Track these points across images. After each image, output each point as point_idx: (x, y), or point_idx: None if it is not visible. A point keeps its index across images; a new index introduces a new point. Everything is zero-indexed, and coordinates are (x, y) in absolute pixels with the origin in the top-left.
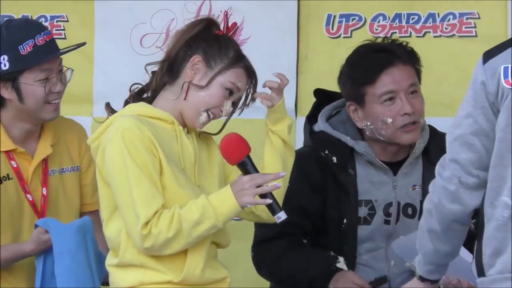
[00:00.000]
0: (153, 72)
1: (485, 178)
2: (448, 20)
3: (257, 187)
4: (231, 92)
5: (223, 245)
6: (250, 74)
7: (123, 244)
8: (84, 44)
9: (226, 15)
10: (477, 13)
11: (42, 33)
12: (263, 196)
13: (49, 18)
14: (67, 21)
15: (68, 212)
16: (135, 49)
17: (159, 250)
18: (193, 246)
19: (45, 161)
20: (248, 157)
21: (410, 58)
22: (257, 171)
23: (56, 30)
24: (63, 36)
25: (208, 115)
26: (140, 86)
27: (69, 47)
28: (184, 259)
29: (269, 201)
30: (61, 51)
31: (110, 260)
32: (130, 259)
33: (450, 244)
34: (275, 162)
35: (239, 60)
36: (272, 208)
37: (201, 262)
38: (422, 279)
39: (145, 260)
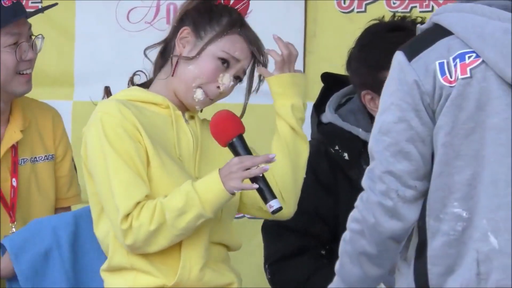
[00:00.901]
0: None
1: (422, 189)
2: None
3: (246, 170)
4: (227, 63)
5: (233, 247)
6: (252, 42)
7: (112, 245)
8: (55, 4)
9: None
10: None
11: None
12: (253, 180)
13: None
14: None
15: (41, 206)
16: (121, 24)
17: (143, 246)
18: (187, 245)
19: (14, 148)
20: (240, 137)
21: None
22: (249, 153)
23: (32, 2)
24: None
25: (204, 91)
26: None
27: (40, 9)
28: (178, 260)
29: (255, 186)
30: (29, 12)
31: (102, 265)
32: (119, 261)
33: (383, 266)
34: (281, 155)
35: (234, 26)
36: (264, 195)
37: (198, 262)
38: None
39: (135, 261)
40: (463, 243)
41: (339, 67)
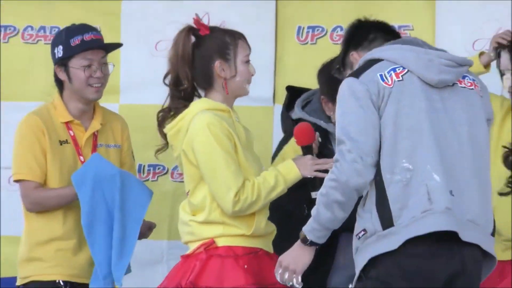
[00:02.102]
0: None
1: (376, 158)
2: None
3: (317, 165)
4: (248, 60)
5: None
6: (241, 35)
7: (208, 206)
8: (121, 45)
9: (198, 17)
10: (412, 25)
11: (90, 33)
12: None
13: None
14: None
15: None
16: (152, 52)
17: (244, 211)
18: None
19: (95, 135)
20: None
21: None
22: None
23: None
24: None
25: (248, 83)
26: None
27: (109, 43)
28: (253, 218)
29: (324, 174)
30: (99, 44)
31: (193, 218)
32: (214, 218)
33: (347, 211)
34: None
35: (235, 37)
36: (317, 185)
37: (264, 219)
38: (311, 243)
39: (225, 219)
40: (413, 184)
41: (298, 81)
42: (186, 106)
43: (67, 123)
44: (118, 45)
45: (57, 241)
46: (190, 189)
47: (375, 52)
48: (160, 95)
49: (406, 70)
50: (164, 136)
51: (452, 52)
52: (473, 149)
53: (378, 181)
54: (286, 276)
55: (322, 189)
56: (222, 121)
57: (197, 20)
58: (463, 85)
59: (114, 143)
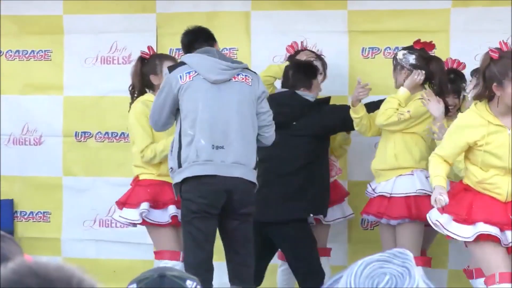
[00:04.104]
0: None
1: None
2: None
3: None
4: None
5: None
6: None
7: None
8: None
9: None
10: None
11: None
12: None
13: None
14: None
15: None
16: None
17: (150, 161)
18: None
19: None
20: None
21: None
22: None
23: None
24: None
25: None
26: None
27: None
28: (159, 165)
29: None
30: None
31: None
32: (137, 163)
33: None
34: None
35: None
36: None
37: (166, 167)
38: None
39: (143, 164)
40: (193, 144)
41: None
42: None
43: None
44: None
45: None
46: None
47: (184, 57)
48: None
49: (196, 73)
50: None
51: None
52: (240, 117)
53: (178, 139)
54: None
55: None
56: (145, 108)
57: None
58: (237, 80)
59: None
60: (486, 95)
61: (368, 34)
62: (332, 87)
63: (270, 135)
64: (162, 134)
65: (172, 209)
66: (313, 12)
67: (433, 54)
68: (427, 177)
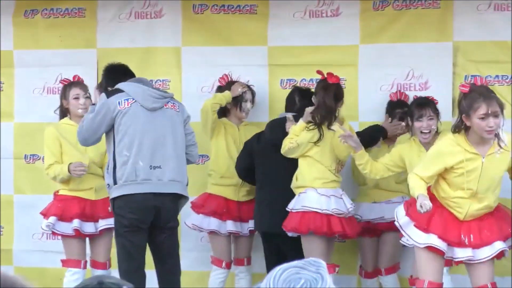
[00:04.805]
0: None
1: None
2: None
3: None
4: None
5: None
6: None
7: None
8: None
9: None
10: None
11: None
12: None
13: None
14: None
15: None
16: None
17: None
18: None
19: None
20: None
21: None
22: None
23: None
24: None
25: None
26: None
27: None
28: (68, 181)
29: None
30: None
31: None
32: None
33: None
34: None
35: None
36: None
37: (78, 183)
38: None
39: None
40: (128, 164)
41: None
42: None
43: None
44: None
45: None
46: None
47: (121, 85)
48: None
49: (134, 100)
50: None
51: None
52: (174, 140)
53: (112, 159)
54: None
55: None
56: (54, 130)
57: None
58: (167, 107)
59: None
60: (462, 126)
61: (286, 67)
62: (254, 113)
63: (195, 153)
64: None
65: (75, 223)
66: (237, 47)
67: (332, 83)
68: (321, 195)
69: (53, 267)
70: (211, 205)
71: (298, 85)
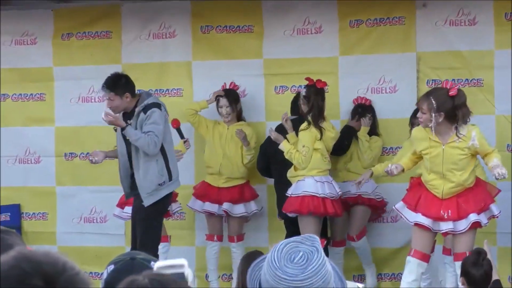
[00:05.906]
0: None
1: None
2: None
3: None
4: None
5: None
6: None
7: None
8: None
9: None
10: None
11: None
12: None
13: None
14: None
15: None
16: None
17: None
18: None
19: None
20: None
21: None
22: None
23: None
24: None
25: None
26: None
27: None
28: None
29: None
30: None
31: None
32: None
33: None
34: None
35: None
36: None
37: None
38: None
39: None
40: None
41: None
42: None
43: None
44: None
45: None
46: None
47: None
48: None
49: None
50: None
51: None
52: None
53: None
54: None
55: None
56: None
57: None
58: None
59: None
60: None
61: (279, 76)
62: (252, 115)
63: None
64: None
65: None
66: (238, 61)
67: (320, 88)
68: (317, 181)
69: (90, 245)
70: (198, 191)
71: (289, 91)
